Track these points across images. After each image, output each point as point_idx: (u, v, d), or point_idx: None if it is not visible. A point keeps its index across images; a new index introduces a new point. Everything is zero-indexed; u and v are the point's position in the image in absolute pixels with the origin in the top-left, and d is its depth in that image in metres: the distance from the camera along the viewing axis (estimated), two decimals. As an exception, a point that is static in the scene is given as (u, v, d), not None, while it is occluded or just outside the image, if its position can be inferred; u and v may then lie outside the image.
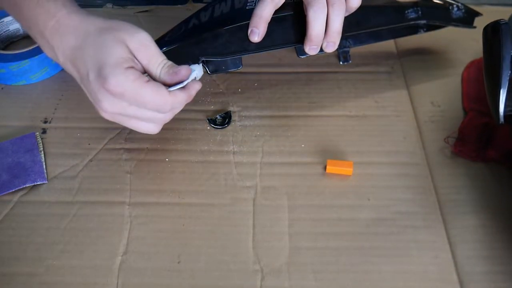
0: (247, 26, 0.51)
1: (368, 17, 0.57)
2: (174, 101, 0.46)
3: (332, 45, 0.51)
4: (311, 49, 0.52)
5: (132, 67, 0.44)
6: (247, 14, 0.52)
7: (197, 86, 0.49)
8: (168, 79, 0.46)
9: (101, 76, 0.43)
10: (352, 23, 0.54)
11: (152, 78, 0.47)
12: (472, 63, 0.66)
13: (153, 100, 0.45)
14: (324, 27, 0.50)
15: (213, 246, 0.49)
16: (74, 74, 0.47)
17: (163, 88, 0.45)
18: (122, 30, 0.45)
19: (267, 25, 0.51)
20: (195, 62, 0.52)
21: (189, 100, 0.48)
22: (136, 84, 0.44)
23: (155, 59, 0.46)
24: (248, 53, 0.54)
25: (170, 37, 0.54)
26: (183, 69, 0.46)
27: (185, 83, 0.47)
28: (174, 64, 0.47)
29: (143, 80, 0.44)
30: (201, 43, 0.53)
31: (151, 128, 0.49)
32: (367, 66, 0.66)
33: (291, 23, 0.53)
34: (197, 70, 0.50)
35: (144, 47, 0.46)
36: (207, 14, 0.54)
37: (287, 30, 0.53)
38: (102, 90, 0.43)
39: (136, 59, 0.46)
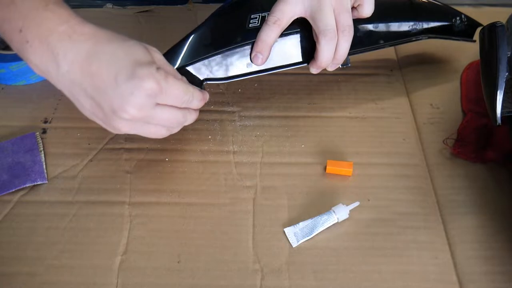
0: (249, 48, 0.51)
1: (371, 35, 0.57)
2: (192, 90, 0.47)
3: (335, 66, 0.54)
4: (316, 70, 0.54)
5: (161, 68, 0.44)
6: (250, 34, 0.51)
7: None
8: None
9: (136, 76, 0.42)
10: (356, 42, 0.53)
11: None
12: (471, 65, 0.66)
13: (183, 89, 0.46)
14: (334, 54, 0.51)
15: (213, 246, 0.49)
16: (85, 83, 0.43)
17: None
18: (140, 42, 0.45)
19: (271, 50, 0.51)
20: (198, 85, 0.52)
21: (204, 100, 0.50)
22: (169, 80, 0.44)
23: (171, 67, 0.48)
24: (250, 76, 0.53)
25: (171, 56, 0.52)
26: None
27: None
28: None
29: (172, 77, 0.45)
30: (202, 66, 0.52)
31: (162, 131, 0.47)
32: (367, 68, 0.66)
33: (295, 43, 0.53)
34: None
35: (161, 56, 0.47)
36: (209, 31, 0.53)
37: (291, 50, 0.53)
38: (136, 91, 0.42)
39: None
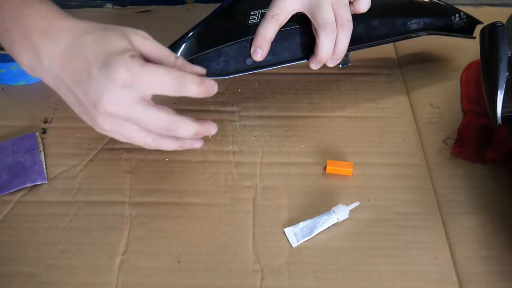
0: (249, 44, 0.51)
1: (371, 32, 0.57)
2: (182, 74, 0.42)
3: (335, 62, 0.53)
4: (316, 66, 0.53)
5: (136, 56, 0.42)
6: (249, 30, 0.51)
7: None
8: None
9: (108, 66, 0.40)
10: (355, 38, 0.53)
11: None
12: (471, 65, 0.66)
13: (167, 75, 0.41)
14: (333, 48, 0.51)
15: (213, 246, 0.49)
16: (65, 78, 0.42)
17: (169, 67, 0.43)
18: (122, 29, 0.43)
19: (270, 45, 0.51)
20: None
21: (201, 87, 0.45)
22: (146, 67, 0.40)
23: (160, 50, 0.44)
24: (250, 71, 0.53)
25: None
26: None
27: None
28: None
29: (151, 63, 0.41)
30: (202, 62, 0.52)
31: (148, 139, 0.44)
32: (367, 68, 0.66)
33: (295, 39, 0.53)
34: None
35: (147, 40, 0.44)
36: (207, 29, 0.53)
37: (290, 46, 0.53)
38: (109, 82, 0.40)
39: (141, 52, 0.43)
